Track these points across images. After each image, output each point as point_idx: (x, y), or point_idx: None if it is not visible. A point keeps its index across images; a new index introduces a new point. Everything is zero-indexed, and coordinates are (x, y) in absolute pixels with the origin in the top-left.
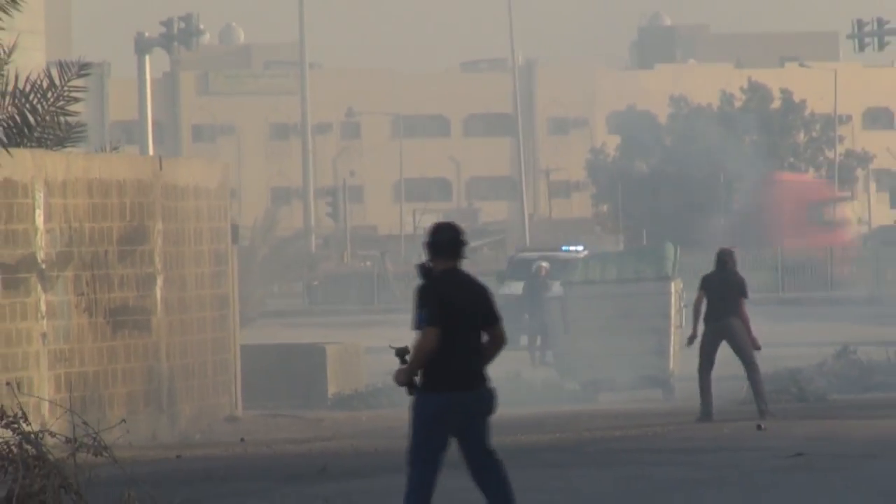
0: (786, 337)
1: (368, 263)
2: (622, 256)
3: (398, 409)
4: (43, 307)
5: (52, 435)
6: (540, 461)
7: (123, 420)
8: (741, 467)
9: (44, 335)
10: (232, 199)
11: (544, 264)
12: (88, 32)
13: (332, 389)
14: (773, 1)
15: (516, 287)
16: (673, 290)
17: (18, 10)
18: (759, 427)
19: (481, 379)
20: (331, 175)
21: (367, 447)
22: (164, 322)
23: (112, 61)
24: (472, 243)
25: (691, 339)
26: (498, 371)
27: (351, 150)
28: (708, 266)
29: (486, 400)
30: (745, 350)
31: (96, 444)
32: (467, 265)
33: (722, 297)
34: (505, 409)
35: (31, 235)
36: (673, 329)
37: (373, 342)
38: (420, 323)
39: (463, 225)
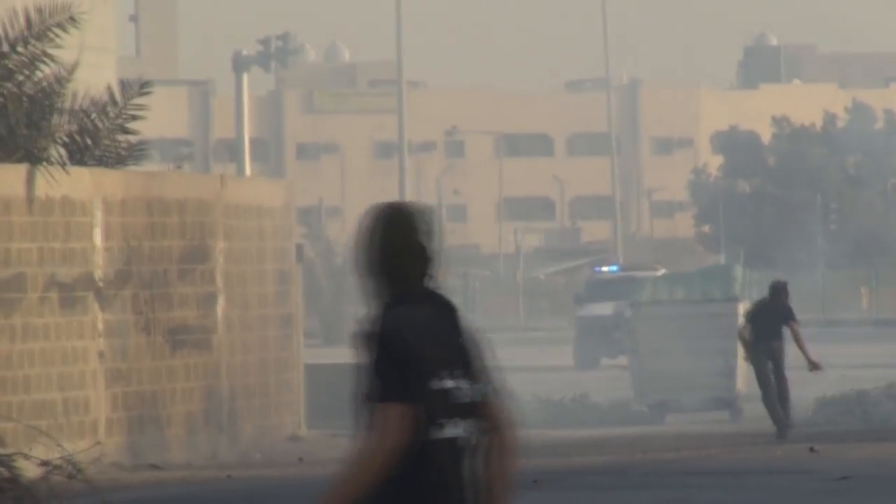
0: (873, 357)
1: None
2: (690, 277)
3: None
4: (100, 325)
5: (27, 457)
6: (584, 483)
7: (98, 442)
8: (783, 490)
9: (101, 354)
10: (335, 216)
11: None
12: (197, 51)
13: None
14: (880, 20)
15: (597, 309)
16: (740, 310)
17: (77, 28)
18: (811, 449)
19: None
20: (434, 194)
21: None
22: (226, 341)
23: (218, 79)
24: (573, 263)
25: (747, 358)
26: (566, 392)
27: (455, 168)
28: (812, 287)
29: None
30: (781, 372)
31: (71, 467)
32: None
33: (768, 323)
34: (569, 431)
35: (88, 254)
36: (740, 350)
37: None
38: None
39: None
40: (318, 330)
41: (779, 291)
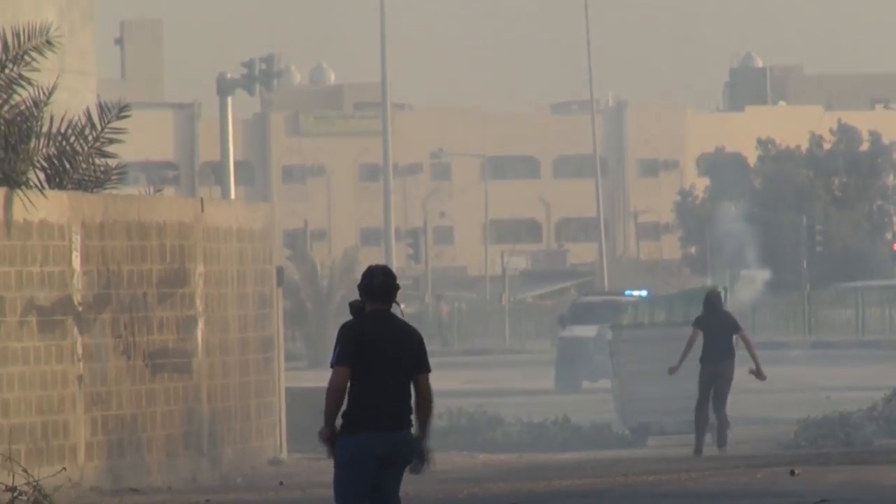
0: (859, 381)
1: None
2: (671, 300)
3: (443, 454)
4: (79, 350)
5: None
6: None
7: (64, 468)
8: None
9: (80, 377)
10: (321, 240)
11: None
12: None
13: None
14: (868, 42)
15: (580, 331)
16: None
17: (54, 51)
18: (792, 473)
19: (403, 423)
20: (420, 216)
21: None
22: (206, 364)
23: (203, 102)
24: (560, 285)
25: (672, 371)
26: (546, 414)
27: (441, 191)
28: (798, 308)
29: (405, 445)
30: (723, 394)
31: (37, 492)
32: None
33: (715, 336)
34: (549, 454)
35: (67, 278)
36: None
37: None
38: (332, 360)
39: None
40: (304, 353)
41: (714, 302)
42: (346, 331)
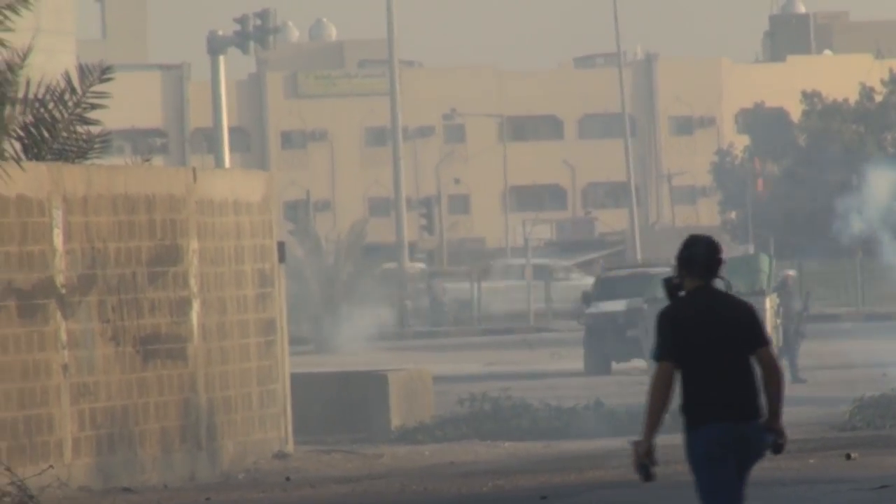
0: None
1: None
2: None
3: (465, 443)
4: (63, 336)
5: None
6: (598, 499)
7: (50, 466)
8: (817, 502)
9: (65, 367)
10: (325, 211)
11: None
12: (169, 32)
13: (395, 421)
14: None
15: (608, 306)
16: (768, 305)
17: (30, 9)
18: (848, 457)
19: (750, 412)
20: (433, 183)
21: (415, 486)
22: (202, 350)
23: (193, 63)
24: (587, 256)
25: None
26: (577, 398)
27: (455, 155)
28: (849, 278)
29: (755, 438)
30: None
31: (22, 492)
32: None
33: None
34: (580, 442)
35: (48, 258)
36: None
37: (462, 367)
38: (654, 355)
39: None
40: (309, 336)
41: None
42: (665, 319)
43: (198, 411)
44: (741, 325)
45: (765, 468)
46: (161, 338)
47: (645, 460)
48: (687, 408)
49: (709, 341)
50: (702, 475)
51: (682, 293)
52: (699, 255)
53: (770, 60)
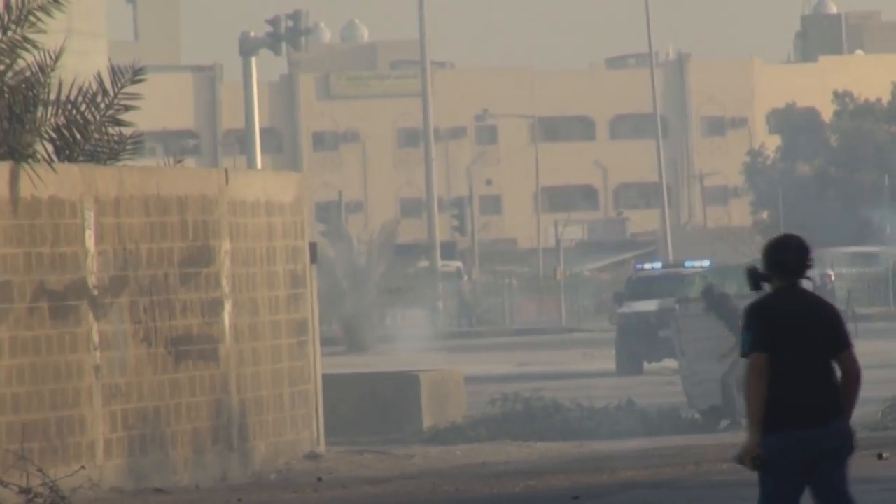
0: None
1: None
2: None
3: (497, 444)
4: (95, 337)
5: (4, 485)
6: (631, 499)
7: (82, 467)
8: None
9: (97, 368)
10: (357, 212)
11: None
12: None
13: (427, 422)
14: None
15: (640, 306)
16: None
17: (62, 11)
18: (880, 456)
19: (833, 412)
20: (465, 184)
21: (447, 486)
22: (234, 351)
23: (225, 65)
24: (619, 256)
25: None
26: (608, 398)
27: (487, 156)
28: (881, 277)
29: (840, 437)
30: None
31: (54, 493)
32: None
33: None
34: (612, 442)
35: (80, 259)
36: None
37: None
38: (744, 349)
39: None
40: (341, 337)
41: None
42: (756, 311)
43: (229, 412)
44: (828, 325)
45: None
46: (193, 339)
47: (757, 458)
48: (768, 408)
49: (797, 339)
50: (767, 479)
51: (767, 288)
52: (792, 261)
53: (802, 61)
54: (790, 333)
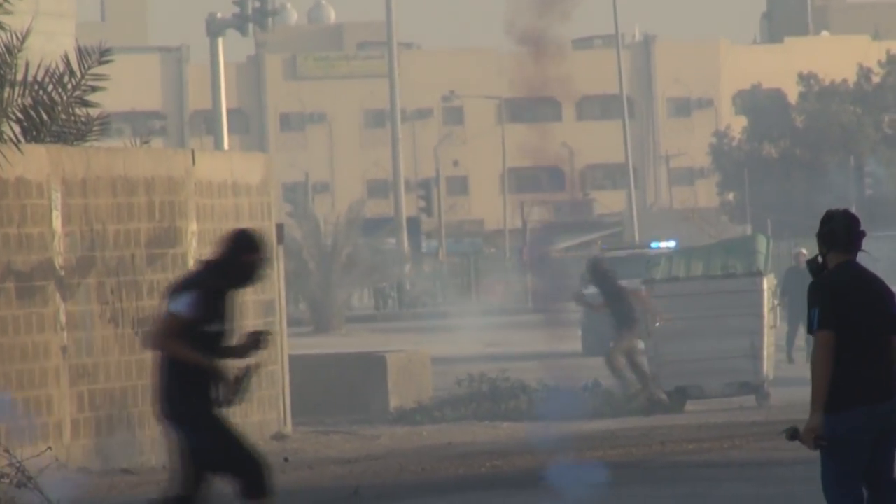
0: None
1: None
2: (709, 250)
3: (463, 424)
4: (62, 318)
5: None
6: (599, 478)
7: (49, 447)
8: (814, 482)
9: (64, 349)
10: (324, 192)
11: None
12: (168, 15)
13: (393, 402)
14: None
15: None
16: (765, 286)
17: None
18: None
19: (893, 390)
20: (432, 165)
21: (413, 466)
22: None
23: (192, 45)
24: (586, 237)
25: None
26: (575, 379)
27: (454, 137)
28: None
29: None
30: None
31: (20, 474)
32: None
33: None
34: (579, 423)
35: (47, 239)
36: (766, 329)
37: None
38: (811, 326)
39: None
40: (307, 317)
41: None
42: (820, 288)
43: None
44: (888, 302)
45: (761, 448)
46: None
47: (820, 438)
48: (833, 388)
49: (861, 316)
50: (834, 458)
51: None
52: (838, 227)
53: (768, 42)
54: (855, 311)
